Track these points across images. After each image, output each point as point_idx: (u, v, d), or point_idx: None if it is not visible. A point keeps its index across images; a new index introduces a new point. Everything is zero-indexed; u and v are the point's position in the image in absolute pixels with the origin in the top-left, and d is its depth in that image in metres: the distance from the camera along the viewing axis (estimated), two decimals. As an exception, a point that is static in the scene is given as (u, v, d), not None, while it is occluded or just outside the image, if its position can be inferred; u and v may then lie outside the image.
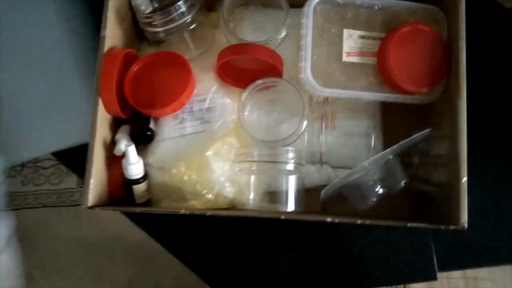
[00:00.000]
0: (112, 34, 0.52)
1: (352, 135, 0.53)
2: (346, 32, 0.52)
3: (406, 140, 0.48)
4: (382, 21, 0.53)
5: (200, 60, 0.56)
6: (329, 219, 0.47)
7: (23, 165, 1.30)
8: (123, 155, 0.51)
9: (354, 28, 0.52)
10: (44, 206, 1.26)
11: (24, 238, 1.06)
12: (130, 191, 0.52)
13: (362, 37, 0.52)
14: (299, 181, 0.51)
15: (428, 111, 0.56)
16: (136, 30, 0.58)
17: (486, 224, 0.63)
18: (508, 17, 0.59)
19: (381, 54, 0.51)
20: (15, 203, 1.27)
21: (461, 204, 0.47)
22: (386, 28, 0.53)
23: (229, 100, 0.55)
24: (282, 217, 0.48)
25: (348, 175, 0.49)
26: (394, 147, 0.48)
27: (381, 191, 0.52)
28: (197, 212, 0.48)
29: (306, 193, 0.54)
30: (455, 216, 0.47)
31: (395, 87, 0.51)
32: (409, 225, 0.48)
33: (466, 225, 0.47)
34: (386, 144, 0.57)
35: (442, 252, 0.62)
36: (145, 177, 0.52)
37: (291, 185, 0.50)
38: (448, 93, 0.51)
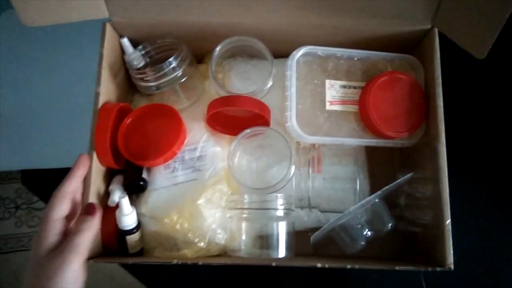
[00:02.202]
0: (106, 89, 0.55)
1: (338, 179, 0.55)
2: (328, 82, 0.55)
3: (390, 185, 0.50)
4: (362, 70, 0.56)
5: (190, 110, 0.59)
6: (319, 265, 0.48)
7: (16, 207, 1.29)
8: (117, 206, 0.52)
9: (335, 78, 0.55)
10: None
11: (18, 282, 1.04)
12: (124, 241, 0.53)
13: (344, 86, 0.55)
14: (290, 226, 0.53)
15: (411, 154, 0.58)
16: (129, 83, 0.61)
17: (474, 263, 0.64)
18: (480, 65, 0.63)
19: (362, 102, 0.54)
20: (9, 246, 1.25)
21: (447, 245, 0.48)
22: (366, 77, 0.56)
23: (219, 148, 0.57)
24: (273, 264, 0.49)
25: (336, 220, 0.50)
26: (379, 192, 0.50)
27: (369, 234, 0.53)
28: (189, 262, 0.49)
29: (297, 236, 0.55)
30: (442, 257, 0.48)
31: (376, 133, 0.54)
32: (397, 268, 0.49)
33: (452, 266, 0.48)
34: (373, 185, 0.59)
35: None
36: (138, 227, 0.53)
37: (282, 231, 0.51)
38: (428, 137, 0.54)
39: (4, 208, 1.15)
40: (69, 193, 0.48)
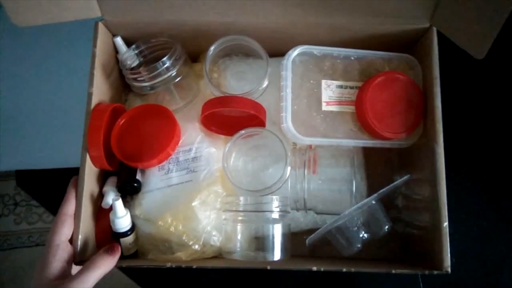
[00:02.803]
0: (99, 89, 0.54)
1: (335, 181, 0.54)
2: (324, 82, 0.54)
3: (387, 187, 0.50)
4: (359, 70, 0.55)
5: (185, 110, 0.58)
6: (314, 268, 0.48)
7: (15, 204, 1.30)
8: (111, 207, 0.52)
9: (332, 79, 0.54)
10: (37, 245, 1.25)
11: (17, 278, 1.04)
12: (118, 243, 0.53)
13: (340, 86, 0.54)
14: (285, 228, 0.52)
15: (409, 154, 0.58)
16: (123, 82, 0.60)
17: (472, 265, 0.63)
18: (478, 66, 0.62)
19: (358, 103, 0.53)
20: (8, 243, 1.25)
21: (444, 248, 0.48)
22: (363, 77, 0.55)
23: (214, 149, 0.56)
24: (268, 267, 0.48)
25: (332, 222, 0.50)
26: (375, 194, 0.49)
27: (365, 236, 0.53)
28: (183, 265, 0.48)
29: (293, 237, 0.54)
30: (439, 260, 0.48)
31: (373, 134, 0.53)
32: (394, 271, 0.48)
33: (449, 270, 0.47)
34: (370, 186, 0.58)
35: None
36: (132, 229, 0.53)
37: (277, 233, 0.51)
38: (426, 138, 0.53)
39: (3, 205, 1.15)
40: (69, 216, 0.48)
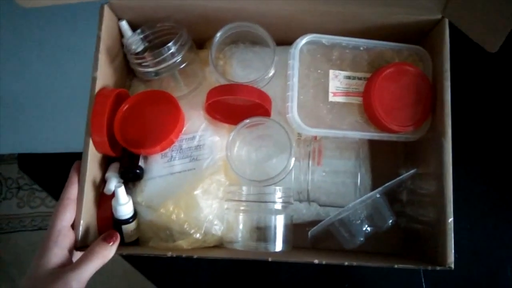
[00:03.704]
0: (104, 74, 0.53)
1: (339, 173, 0.53)
2: (332, 72, 0.53)
3: (393, 181, 0.49)
4: (368, 61, 0.54)
5: (190, 98, 0.57)
6: (316, 261, 0.47)
7: (18, 187, 1.30)
8: (113, 194, 0.51)
9: (340, 69, 0.53)
10: (40, 229, 1.26)
11: (19, 262, 1.05)
12: (119, 230, 0.52)
13: (348, 77, 0.53)
14: (288, 219, 0.52)
15: (416, 148, 0.57)
16: (127, 67, 0.59)
17: (475, 261, 0.63)
18: (490, 59, 0.61)
19: (366, 94, 0.52)
20: (11, 226, 1.26)
21: (448, 244, 0.47)
22: (372, 68, 0.54)
23: (218, 138, 0.55)
24: (270, 259, 0.48)
25: (335, 215, 0.49)
26: (381, 188, 0.48)
27: (368, 229, 0.52)
28: (184, 255, 0.48)
29: (295, 228, 0.54)
30: (442, 256, 0.47)
31: (380, 126, 0.52)
32: (396, 266, 0.48)
33: (452, 266, 0.47)
34: (375, 179, 0.58)
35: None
36: (134, 216, 0.52)
37: (279, 224, 0.50)
38: (434, 132, 0.52)
39: (7, 188, 1.16)
40: (72, 200, 0.48)
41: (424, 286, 0.62)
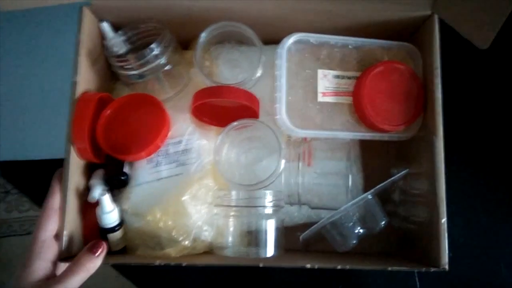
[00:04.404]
0: (85, 78, 0.52)
1: (330, 174, 0.52)
2: (320, 72, 0.52)
3: (385, 182, 0.48)
4: (357, 59, 0.53)
5: (175, 100, 0.56)
6: (308, 265, 0.46)
7: (7, 191, 1.27)
8: (98, 202, 0.50)
9: (328, 68, 0.52)
10: (29, 233, 1.23)
11: (10, 266, 1.03)
12: (106, 238, 0.51)
13: (337, 76, 0.52)
14: (279, 223, 0.50)
15: (407, 148, 0.56)
16: (110, 71, 0.57)
17: (470, 259, 0.62)
18: (480, 56, 0.60)
19: (356, 94, 0.51)
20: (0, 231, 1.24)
21: (442, 245, 0.47)
22: (361, 67, 0.52)
23: (205, 141, 0.54)
24: (261, 264, 0.47)
25: (326, 218, 0.48)
26: (372, 190, 0.47)
27: (361, 231, 0.51)
28: (172, 263, 0.47)
29: (286, 231, 0.53)
30: (436, 257, 0.47)
31: (371, 126, 0.51)
32: (390, 268, 0.47)
33: (447, 267, 0.46)
34: (367, 178, 0.57)
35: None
36: (121, 224, 0.51)
37: (271, 229, 0.49)
38: (425, 130, 0.51)
39: (-6, 193, 1.13)
40: (55, 210, 0.46)
41: (418, 285, 0.62)
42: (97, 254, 0.45)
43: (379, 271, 0.62)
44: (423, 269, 0.47)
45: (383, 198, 0.54)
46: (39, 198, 0.72)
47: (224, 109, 0.53)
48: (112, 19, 0.55)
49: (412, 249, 0.54)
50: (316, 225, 0.48)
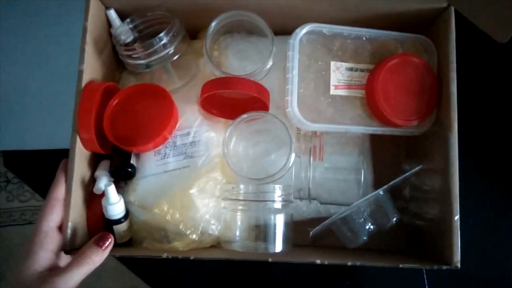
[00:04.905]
0: (91, 67, 0.50)
1: (341, 169, 0.51)
2: (333, 64, 0.50)
3: (397, 179, 0.47)
4: (370, 52, 0.51)
5: (184, 91, 0.54)
6: (318, 261, 0.46)
7: (8, 181, 1.27)
8: (103, 193, 0.49)
9: (341, 60, 0.51)
10: (30, 223, 1.23)
11: (10, 256, 1.02)
12: (111, 230, 0.50)
13: (350, 69, 0.51)
14: (288, 218, 0.50)
15: (420, 143, 0.55)
16: (117, 60, 0.56)
17: (479, 257, 0.61)
18: (499, 50, 0.58)
19: (369, 87, 0.50)
20: (0, 221, 1.23)
21: (454, 242, 0.46)
22: (375, 59, 0.51)
23: (213, 134, 0.53)
24: (270, 259, 0.46)
25: (337, 214, 0.47)
26: (385, 186, 0.46)
27: (371, 228, 0.50)
28: (180, 256, 0.46)
29: (295, 226, 0.52)
30: (448, 255, 0.46)
31: (384, 120, 0.50)
32: (401, 266, 0.46)
33: (459, 265, 0.45)
34: (377, 175, 0.56)
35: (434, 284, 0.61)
36: (126, 216, 0.50)
37: (279, 224, 0.48)
38: (439, 126, 0.50)
39: (-5, 182, 1.12)
40: (59, 201, 0.45)
41: (426, 282, 0.61)
42: (104, 247, 0.44)
43: (386, 267, 0.61)
44: (435, 267, 0.46)
45: (394, 193, 0.53)
46: (41, 189, 0.71)
47: (233, 101, 0.52)
48: (119, 7, 0.54)
49: (423, 246, 0.53)
50: (327, 220, 0.47)
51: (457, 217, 0.46)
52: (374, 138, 0.57)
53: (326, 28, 0.50)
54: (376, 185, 0.54)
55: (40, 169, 0.67)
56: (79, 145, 0.48)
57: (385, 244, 0.57)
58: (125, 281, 0.66)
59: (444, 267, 0.46)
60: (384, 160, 0.57)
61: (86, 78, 0.49)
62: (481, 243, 0.61)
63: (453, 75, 0.49)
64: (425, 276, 0.61)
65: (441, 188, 0.48)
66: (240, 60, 0.55)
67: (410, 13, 0.52)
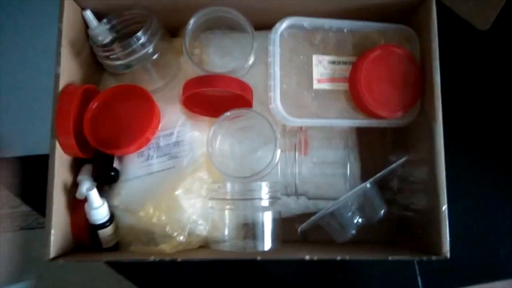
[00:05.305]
0: (68, 69, 0.49)
1: (327, 163, 0.51)
2: (315, 58, 0.50)
3: (383, 171, 0.47)
4: (353, 44, 0.51)
5: (165, 91, 0.54)
6: (307, 257, 0.45)
7: (-4, 187, 1.24)
8: (86, 198, 0.48)
9: (323, 53, 0.50)
10: (21, 229, 1.21)
11: (3, 264, 1.00)
12: (96, 235, 0.49)
13: (333, 62, 0.50)
14: (276, 215, 0.49)
15: (406, 134, 0.55)
16: (96, 61, 0.55)
17: (470, 245, 0.61)
18: (480, 38, 0.58)
19: (352, 80, 0.49)
20: (-9, 227, 1.21)
21: (443, 233, 0.46)
22: (357, 51, 0.51)
23: (197, 133, 0.52)
24: (258, 258, 0.45)
25: (325, 209, 0.47)
26: (371, 179, 0.46)
27: (360, 221, 0.50)
28: (167, 259, 0.45)
29: (284, 222, 0.51)
30: (438, 245, 0.46)
31: (369, 113, 0.49)
32: (390, 258, 0.46)
33: (448, 255, 0.45)
34: (364, 167, 0.55)
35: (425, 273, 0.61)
36: (111, 219, 0.49)
37: (267, 222, 0.48)
38: (424, 116, 0.50)
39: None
40: None
41: (417, 271, 0.61)
42: None
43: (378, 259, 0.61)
44: (425, 258, 0.46)
45: (381, 186, 0.53)
46: (27, 195, 0.69)
47: (216, 98, 0.51)
48: (95, 7, 0.52)
49: (412, 237, 0.53)
50: (314, 216, 0.47)
51: (444, 207, 0.46)
52: (360, 130, 0.56)
53: (307, 21, 0.50)
54: (364, 177, 0.54)
55: (24, 176, 0.66)
56: (59, 150, 0.47)
57: (375, 236, 0.57)
58: (115, 285, 0.65)
59: (434, 258, 0.46)
60: (372, 152, 0.56)
61: (63, 82, 0.48)
62: (471, 231, 0.62)
63: (436, 64, 0.48)
64: (416, 266, 0.61)
65: (427, 179, 0.48)
66: (222, 57, 0.54)
67: (392, 3, 0.52)
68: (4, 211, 1.21)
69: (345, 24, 0.50)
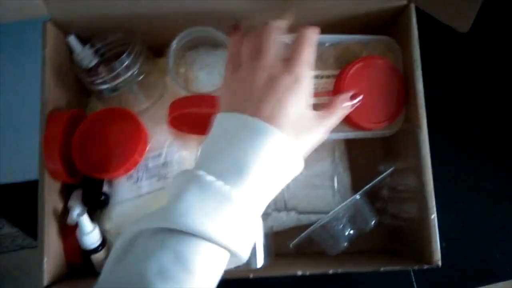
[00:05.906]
0: (54, 96, 0.50)
1: (316, 176, 0.51)
2: (298, 73, 0.50)
3: (372, 182, 0.47)
4: (335, 57, 0.51)
5: (152, 111, 0.54)
6: (299, 273, 0.45)
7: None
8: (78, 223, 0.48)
9: (306, 68, 0.50)
10: (22, 248, 1.21)
11: (5, 284, 1.00)
12: (89, 260, 0.49)
13: (316, 76, 0.50)
14: (267, 230, 0.49)
15: (393, 143, 0.55)
16: (82, 85, 0.55)
17: (464, 251, 0.61)
18: (462, 41, 0.58)
19: (336, 93, 0.49)
20: (-7, 247, 1.21)
21: (433, 241, 0.46)
22: (340, 64, 0.51)
23: (186, 152, 0.52)
24: (251, 276, 0.46)
25: (316, 223, 0.47)
26: (360, 192, 0.46)
27: (351, 233, 0.50)
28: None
29: (276, 236, 0.51)
30: (428, 254, 0.46)
31: (354, 125, 0.49)
32: (382, 269, 0.46)
33: (439, 263, 0.45)
34: (354, 177, 0.56)
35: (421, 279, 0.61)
36: (103, 244, 0.49)
37: (259, 238, 0.48)
38: (409, 124, 0.50)
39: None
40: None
41: (413, 277, 0.61)
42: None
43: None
44: (416, 267, 0.46)
45: (371, 196, 0.53)
46: (20, 222, 0.69)
47: (203, 116, 0.51)
48: (78, 32, 0.53)
49: (404, 246, 0.53)
50: (306, 231, 0.47)
51: (433, 216, 0.46)
52: (349, 141, 0.57)
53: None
54: (354, 187, 0.54)
55: (15, 203, 0.65)
56: (48, 176, 0.47)
57: (368, 245, 0.57)
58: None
59: (426, 267, 0.46)
60: (361, 162, 0.57)
61: (49, 108, 0.48)
62: (465, 235, 0.62)
63: (418, 73, 0.49)
64: (412, 273, 0.61)
65: (416, 187, 0.48)
66: (208, 74, 0.55)
67: (372, 14, 0.52)
68: (4, 230, 1.21)
69: (327, 38, 0.50)
